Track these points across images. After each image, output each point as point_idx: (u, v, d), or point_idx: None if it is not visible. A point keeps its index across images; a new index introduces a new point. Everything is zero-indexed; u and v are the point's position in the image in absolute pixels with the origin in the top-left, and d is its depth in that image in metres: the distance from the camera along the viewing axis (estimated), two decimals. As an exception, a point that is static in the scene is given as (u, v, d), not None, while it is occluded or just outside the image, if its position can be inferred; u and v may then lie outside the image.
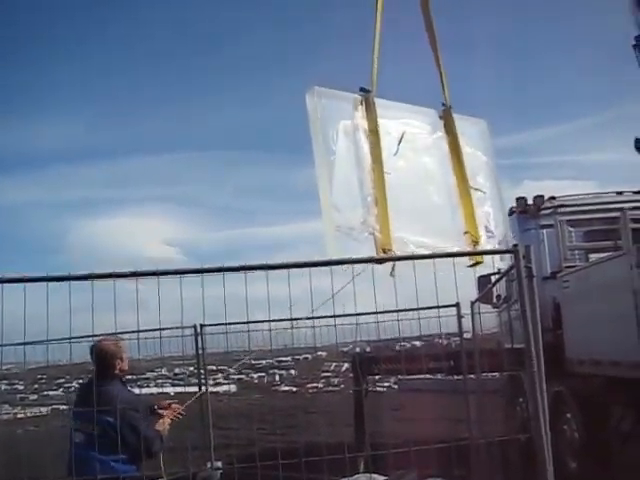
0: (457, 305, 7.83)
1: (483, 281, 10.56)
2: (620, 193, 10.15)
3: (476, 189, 5.53)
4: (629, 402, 6.34)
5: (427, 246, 4.88)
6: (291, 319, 5.81)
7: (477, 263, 5.19)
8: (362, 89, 4.99)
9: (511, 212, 10.60)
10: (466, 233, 5.34)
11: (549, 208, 9.65)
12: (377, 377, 9.96)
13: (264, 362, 38.47)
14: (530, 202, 9.75)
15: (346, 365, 41.86)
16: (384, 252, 4.63)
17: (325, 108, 4.68)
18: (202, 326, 8.60)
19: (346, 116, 4.83)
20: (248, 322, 6.60)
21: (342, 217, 4.48)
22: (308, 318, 5.92)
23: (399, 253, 4.65)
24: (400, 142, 5.00)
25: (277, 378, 40.63)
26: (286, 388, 37.82)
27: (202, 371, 8.72)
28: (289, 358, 41.41)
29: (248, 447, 10.33)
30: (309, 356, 43.21)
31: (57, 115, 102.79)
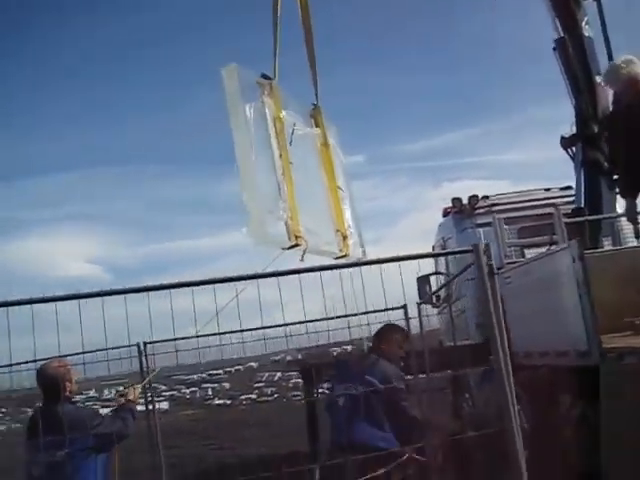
0: (404, 307, 7.89)
1: (422, 281, 10.82)
2: (548, 189, 10.56)
3: (338, 187, 5.75)
4: (577, 390, 6.54)
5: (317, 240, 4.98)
6: (219, 333, 5.68)
7: (344, 256, 5.40)
8: (264, 75, 5.02)
9: (446, 213, 10.88)
10: (337, 231, 5.54)
11: (484, 207, 9.92)
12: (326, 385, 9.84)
13: (195, 377, 37.95)
14: (465, 202, 10.00)
15: (279, 374, 41.94)
16: (296, 238, 4.64)
17: (239, 86, 4.59)
18: (146, 344, 8.47)
19: (256, 98, 4.79)
20: (177, 339, 6.51)
21: (262, 199, 4.43)
22: (241, 331, 5.88)
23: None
24: (292, 133, 5.03)
25: (210, 392, 40.07)
26: (220, 401, 37.41)
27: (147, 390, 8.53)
28: (221, 371, 41.04)
29: (199, 464, 10.15)
30: (241, 367, 42.96)
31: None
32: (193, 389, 39.59)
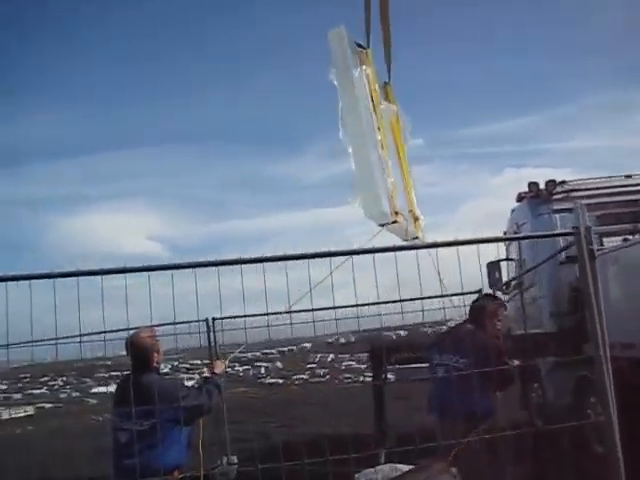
0: (480, 292, 7.71)
1: (492, 267, 10.56)
2: (629, 176, 10.15)
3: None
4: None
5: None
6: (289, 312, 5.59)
7: (416, 238, 5.16)
8: (359, 44, 4.86)
9: (520, 198, 10.57)
10: (410, 211, 5.32)
11: (561, 192, 9.60)
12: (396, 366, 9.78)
13: (249, 355, 38.37)
14: (542, 187, 9.70)
15: (331, 356, 42.02)
16: (396, 214, 4.50)
17: (348, 49, 4.54)
18: (214, 319, 8.56)
19: (358, 65, 4.69)
20: (247, 315, 6.42)
21: (373, 173, 4.28)
22: (306, 310, 5.73)
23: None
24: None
25: (262, 371, 40.51)
26: (272, 380, 37.78)
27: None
28: (274, 350, 41.40)
29: (263, 441, 10.22)
30: (294, 348, 43.28)
31: (30, 113, 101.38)
32: (246, 367, 40.03)
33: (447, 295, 5.92)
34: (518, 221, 10.37)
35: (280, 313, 5.63)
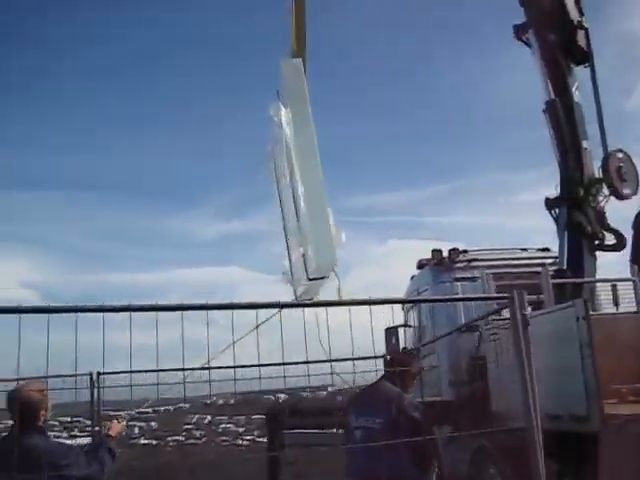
0: (384, 357, 7.56)
1: (390, 333, 10.51)
2: (525, 249, 10.50)
3: None
4: (569, 457, 6.28)
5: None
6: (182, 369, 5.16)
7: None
8: None
9: (421, 265, 10.68)
10: None
11: (463, 261, 9.76)
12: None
13: (123, 413, 36.38)
14: (445, 255, 9.83)
15: (209, 417, 40.72)
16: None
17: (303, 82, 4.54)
18: (99, 374, 7.91)
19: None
20: (133, 371, 5.92)
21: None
22: (177, 369, 5.30)
23: None
24: None
25: (136, 431, 38.40)
26: (146, 441, 35.86)
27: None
28: (149, 409, 39.49)
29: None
30: (170, 408, 41.48)
31: None
32: (119, 426, 37.69)
33: (332, 360, 5.55)
34: (419, 288, 10.42)
35: (149, 371, 5.20)
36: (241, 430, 40.11)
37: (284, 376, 5.21)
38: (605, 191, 9.27)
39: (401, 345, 10.58)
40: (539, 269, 8.41)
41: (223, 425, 39.92)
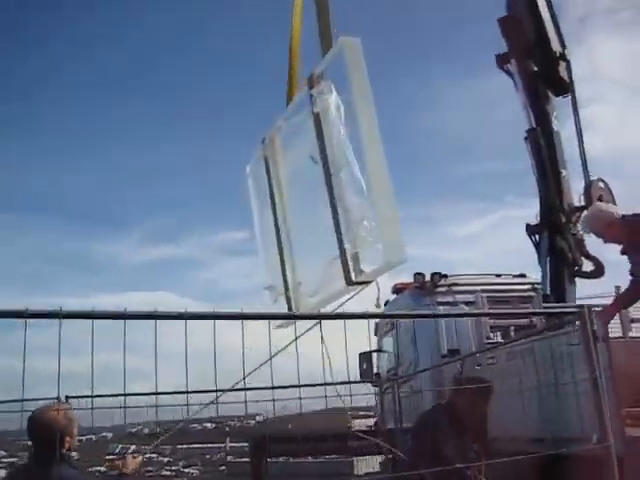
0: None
1: (364, 358, 10.32)
2: (499, 275, 10.58)
3: None
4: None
5: None
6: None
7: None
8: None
9: (397, 289, 10.55)
10: None
11: (444, 286, 9.72)
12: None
13: (135, 447, 34.56)
14: (427, 279, 9.77)
15: (133, 446, 39.11)
16: None
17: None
18: (67, 398, 7.35)
19: None
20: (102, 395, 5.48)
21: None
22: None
23: None
24: None
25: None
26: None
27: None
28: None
29: None
30: (93, 436, 39.74)
31: None
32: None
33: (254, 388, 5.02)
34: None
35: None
36: (166, 460, 38.83)
37: (216, 402, 4.75)
38: (585, 219, 9.45)
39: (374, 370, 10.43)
40: (525, 294, 8.49)
41: (148, 455, 38.48)
